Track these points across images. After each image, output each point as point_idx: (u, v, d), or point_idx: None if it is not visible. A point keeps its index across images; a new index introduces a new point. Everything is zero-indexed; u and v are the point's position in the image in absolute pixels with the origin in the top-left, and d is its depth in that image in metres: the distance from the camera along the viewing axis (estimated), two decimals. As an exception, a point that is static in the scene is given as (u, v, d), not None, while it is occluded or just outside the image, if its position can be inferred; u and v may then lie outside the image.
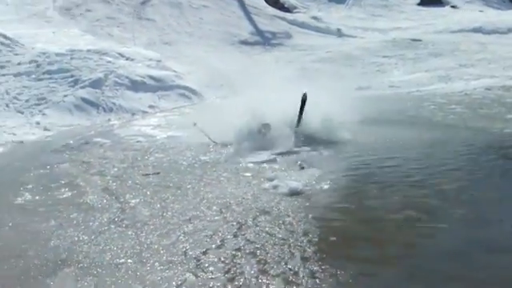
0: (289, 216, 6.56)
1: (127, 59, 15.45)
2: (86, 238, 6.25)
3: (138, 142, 10.39)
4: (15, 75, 14.14)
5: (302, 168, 8.31)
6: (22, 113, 12.48)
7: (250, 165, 8.62)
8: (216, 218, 6.64)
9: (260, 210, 6.79)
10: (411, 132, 10.24)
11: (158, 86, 14.25)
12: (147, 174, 8.39)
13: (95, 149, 9.98)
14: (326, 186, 7.54)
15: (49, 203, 7.36)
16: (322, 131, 9.85)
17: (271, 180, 7.78)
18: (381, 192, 7.31)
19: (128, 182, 8.11)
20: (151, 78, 14.43)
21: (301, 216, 6.55)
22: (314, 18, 22.56)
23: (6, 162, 9.73)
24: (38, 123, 11.94)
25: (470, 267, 5.38)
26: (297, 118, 9.74)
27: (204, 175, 8.25)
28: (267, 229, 6.25)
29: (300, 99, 9.65)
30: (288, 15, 22.66)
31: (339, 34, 21.07)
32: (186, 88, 14.40)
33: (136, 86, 13.95)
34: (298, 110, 9.70)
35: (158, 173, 8.44)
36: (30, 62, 14.70)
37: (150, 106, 13.31)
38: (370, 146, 9.42)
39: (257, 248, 5.81)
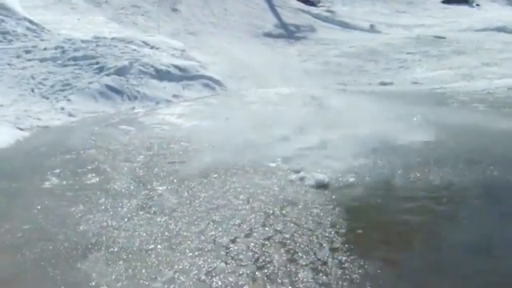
0: (316, 207, 6.59)
1: (152, 48, 15.48)
2: (114, 223, 6.32)
3: (162, 130, 10.42)
4: (41, 60, 14.21)
5: None
6: (47, 98, 12.54)
7: (278, 157, 8.61)
8: (243, 207, 6.68)
9: (287, 201, 6.83)
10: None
11: (182, 75, 14.25)
12: (173, 162, 8.44)
13: (120, 136, 10.03)
14: (352, 179, 7.55)
15: (76, 188, 7.43)
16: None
17: (297, 172, 7.80)
18: (408, 186, 7.31)
19: (154, 169, 8.17)
20: (176, 67, 14.44)
21: (328, 208, 6.57)
22: (339, 12, 22.50)
23: (31, 146, 9.80)
24: (62, 109, 11.99)
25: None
26: None
27: (230, 165, 8.30)
28: (295, 219, 6.29)
29: None
30: (312, 9, 22.60)
31: (372, 29, 20.98)
32: (209, 78, 14.38)
33: (160, 74, 13.97)
34: None
35: (184, 161, 8.50)
36: (56, 48, 14.76)
37: (174, 96, 13.32)
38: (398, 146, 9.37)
39: (285, 238, 5.85)
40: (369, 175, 7.69)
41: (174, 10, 20.43)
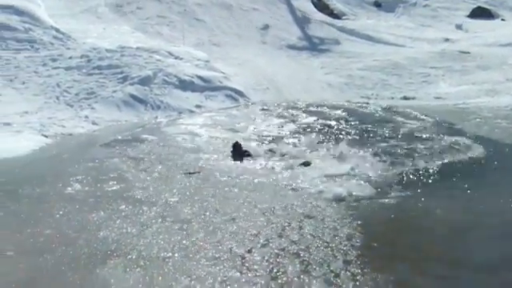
0: (333, 221, 6.68)
1: (176, 58, 15.70)
2: (134, 230, 6.46)
3: (183, 140, 10.56)
4: (66, 69, 14.50)
5: None
6: (72, 106, 12.79)
7: (297, 169, 8.72)
8: (260, 219, 6.78)
9: (304, 214, 6.92)
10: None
11: (206, 86, 14.45)
12: (191, 173, 8.56)
13: (143, 145, 10.19)
14: (370, 193, 7.63)
15: (98, 195, 7.60)
16: None
17: (316, 185, 7.89)
18: (425, 201, 7.37)
19: (172, 179, 8.31)
20: (199, 77, 14.64)
21: (345, 221, 6.65)
22: (363, 25, 22.57)
23: (55, 152, 10.03)
24: (86, 117, 12.22)
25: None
26: None
27: (246, 177, 8.44)
28: (311, 232, 6.38)
29: None
30: (337, 22, 22.70)
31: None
32: (232, 89, 14.56)
33: (184, 85, 14.18)
34: None
35: (199, 172, 8.63)
36: (81, 57, 15.05)
37: (197, 106, 13.51)
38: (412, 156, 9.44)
39: (300, 249, 5.95)
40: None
41: (199, 20, 20.65)
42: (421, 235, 6.49)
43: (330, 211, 6.99)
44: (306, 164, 8.85)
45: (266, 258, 5.79)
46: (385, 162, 8.93)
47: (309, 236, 6.27)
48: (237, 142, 9.60)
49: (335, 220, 6.69)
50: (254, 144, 10.11)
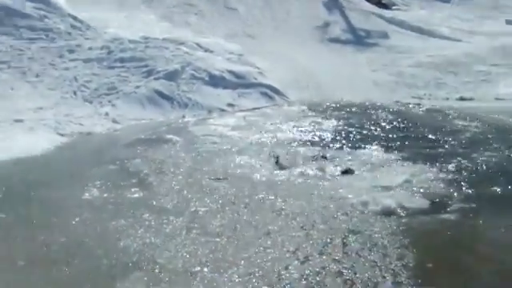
0: (381, 237, 6.62)
1: (206, 51, 15.71)
2: (157, 241, 6.49)
3: (212, 143, 10.55)
4: (85, 61, 14.58)
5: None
6: (91, 102, 12.86)
7: (339, 178, 8.68)
8: (297, 234, 6.75)
9: (348, 228, 6.87)
10: None
11: (239, 82, 14.43)
12: (218, 179, 8.56)
13: (168, 146, 10.23)
14: (422, 205, 7.55)
15: (118, 201, 7.65)
16: None
17: (361, 196, 7.83)
18: (489, 219, 7.25)
19: (199, 185, 8.33)
20: (231, 73, 14.63)
21: (395, 238, 6.59)
22: (415, 16, 22.36)
23: (72, 153, 10.10)
24: (106, 114, 12.28)
25: None
26: None
27: (282, 185, 8.42)
28: (355, 249, 6.33)
29: None
30: (386, 12, 22.50)
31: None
32: (268, 87, 14.50)
33: (214, 80, 14.18)
34: None
35: (227, 178, 8.63)
36: (102, 48, 15.14)
37: (229, 104, 13.50)
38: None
39: (344, 268, 5.90)
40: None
41: (231, 9, 20.65)
42: (482, 260, 6.37)
43: (378, 226, 6.92)
44: (350, 172, 8.81)
45: (305, 277, 5.76)
46: (442, 171, 8.80)
47: (353, 254, 6.22)
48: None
49: (384, 236, 6.63)
50: (290, 149, 10.05)
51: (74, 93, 13.12)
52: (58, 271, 5.85)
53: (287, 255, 6.20)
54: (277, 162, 9.31)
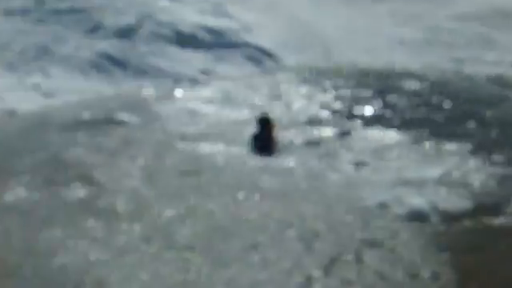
0: (409, 251, 6.61)
1: (171, -1, 15.70)
2: (106, 258, 6.44)
3: (180, 123, 10.54)
4: (4, 13, 14.50)
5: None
6: (15, 70, 12.80)
7: (351, 171, 8.68)
8: (295, 245, 6.73)
9: (364, 240, 6.86)
10: None
11: (216, 41, 14.40)
12: (188, 173, 8.54)
13: (120, 129, 10.20)
14: (464, 207, 7.55)
15: (54, 204, 7.60)
16: None
17: (381, 195, 7.82)
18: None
19: (162, 182, 8.32)
20: (205, 29, 14.59)
21: (427, 252, 6.59)
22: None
23: (-12, 140, 10.05)
24: (36, 86, 12.21)
25: None
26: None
27: (273, 182, 8.40)
28: (375, 267, 6.32)
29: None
30: None
31: None
32: (256, 47, 14.47)
33: (183, 39, 14.14)
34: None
35: (199, 172, 8.60)
36: (29, -5, 15.08)
37: (203, 71, 13.46)
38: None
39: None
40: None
41: None
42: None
43: (405, 236, 6.91)
44: (364, 164, 8.80)
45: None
46: (491, 163, 8.80)
47: (371, 273, 6.20)
48: (264, 117, 9.53)
49: (413, 250, 6.62)
50: (285, 131, 10.05)
51: (-9, 57, 13.07)
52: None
53: (281, 277, 6.17)
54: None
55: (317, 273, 6.22)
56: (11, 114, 11.07)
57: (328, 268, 6.31)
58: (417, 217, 7.31)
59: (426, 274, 6.22)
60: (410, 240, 6.83)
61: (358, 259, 6.47)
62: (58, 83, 12.31)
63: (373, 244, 6.77)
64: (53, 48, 13.16)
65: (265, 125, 9.25)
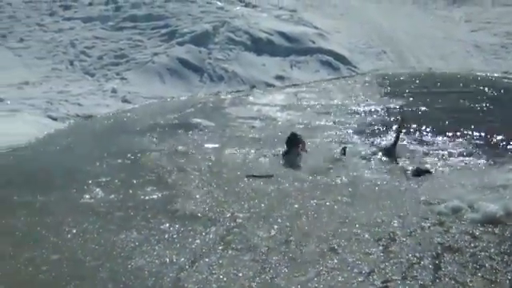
0: (487, 256, 6.45)
1: (247, 5, 15.69)
2: (182, 260, 6.39)
3: (253, 127, 10.50)
4: (84, 20, 14.63)
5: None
6: (92, 75, 12.92)
7: (424, 177, 8.55)
8: (372, 249, 6.62)
9: (440, 244, 6.71)
10: None
11: (291, 47, 14.36)
12: (262, 177, 8.48)
13: (195, 133, 10.20)
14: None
15: (129, 205, 7.61)
16: None
17: (449, 199, 7.67)
18: None
19: (237, 185, 8.28)
20: (282, 35, 14.56)
21: (507, 257, 6.43)
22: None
23: (67, 143, 10.09)
24: (113, 91, 12.29)
25: None
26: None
27: (346, 185, 8.34)
28: (453, 273, 6.18)
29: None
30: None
31: None
32: (331, 53, 14.41)
33: (259, 46, 14.12)
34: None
35: (272, 176, 8.56)
36: (107, 3, 15.19)
37: (278, 77, 13.42)
38: None
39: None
40: None
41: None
42: None
43: (484, 241, 6.74)
44: (426, 171, 8.68)
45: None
46: None
47: (448, 279, 6.05)
48: (292, 137, 9.45)
49: (491, 255, 6.46)
50: (356, 138, 10.03)
51: (71, 63, 13.21)
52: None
53: (360, 280, 6.06)
54: (344, 154, 9.24)
55: (394, 277, 6.10)
56: (89, 118, 11.11)
57: (405, 273, 6.19)
58: (492, 222, 7.12)
59: (508, 280, 6.06)
60: (489, 245, 6.66)
61: (437, 265, 6.32)
62: (134, 88, 12.40)
63: (451, 249, 6.62)
64: (130, 54, 13.22)
65: (292, 143, 9.13)
